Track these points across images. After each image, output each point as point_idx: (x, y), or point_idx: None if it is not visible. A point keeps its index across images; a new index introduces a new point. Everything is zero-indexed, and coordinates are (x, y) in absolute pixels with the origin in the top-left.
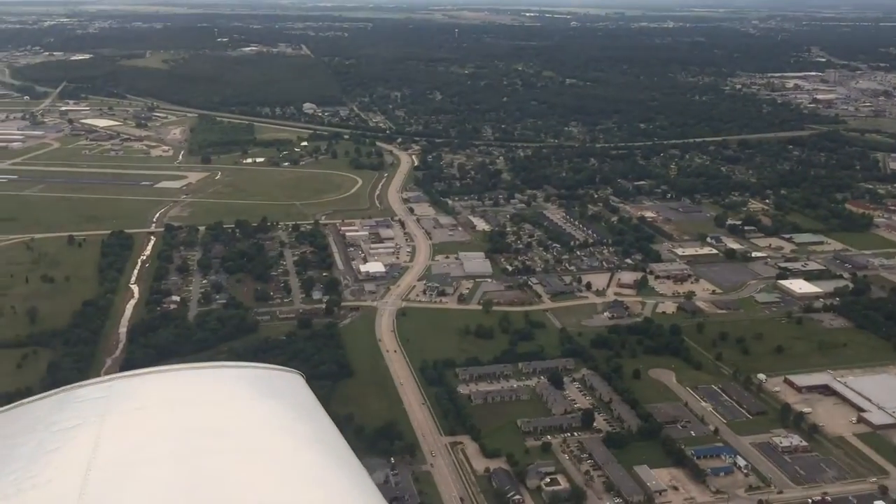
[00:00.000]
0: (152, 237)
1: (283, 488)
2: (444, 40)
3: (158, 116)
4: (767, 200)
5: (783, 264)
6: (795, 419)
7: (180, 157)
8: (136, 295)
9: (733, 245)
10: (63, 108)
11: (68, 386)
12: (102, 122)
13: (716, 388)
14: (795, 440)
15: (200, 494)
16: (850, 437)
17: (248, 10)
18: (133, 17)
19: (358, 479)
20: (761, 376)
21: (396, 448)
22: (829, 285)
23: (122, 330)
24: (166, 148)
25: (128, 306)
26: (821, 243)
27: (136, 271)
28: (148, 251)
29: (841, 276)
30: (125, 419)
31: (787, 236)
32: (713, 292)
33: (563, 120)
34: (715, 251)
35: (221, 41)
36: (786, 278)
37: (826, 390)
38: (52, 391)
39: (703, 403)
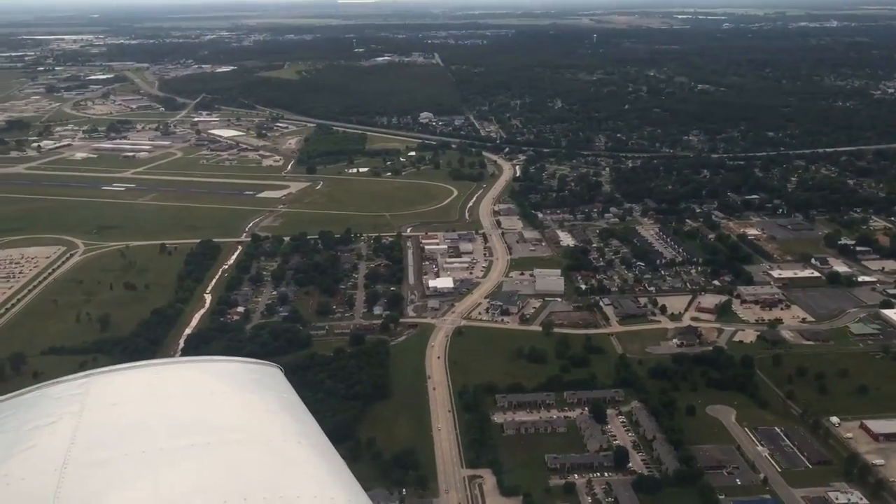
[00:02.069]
0: (239, 247)
1: (261, 480)
2: (579, 46)
3: (279, 127)
4: (893, 218)
5: (893, 290)
6: (861, 471)
7: (289, 167)
8: (207, 305)
9: (839, 268)
10: (195, 119)
11: (45, 383)
12: (227, 133)
13: (778, 430)
14: (855, 497)
15: (178, 489)
16: None
17: (399, 20)
18: (287, 29)
19: (334, 469)
20: (834, 419)
21: (410, 478)
22: None
23: (182, 340)
24: (278, 158)
25: (196, 316)
26: None
27: (214, 281)
28: (231, 261)
29: None
30: (102, 415)
31: None
32: (803, 320)
33: (684, 128)
34: (817, 274)
35: (358, 52)
36: (892, 307)
37: None
38: (28, 388)
39: (759, 448)
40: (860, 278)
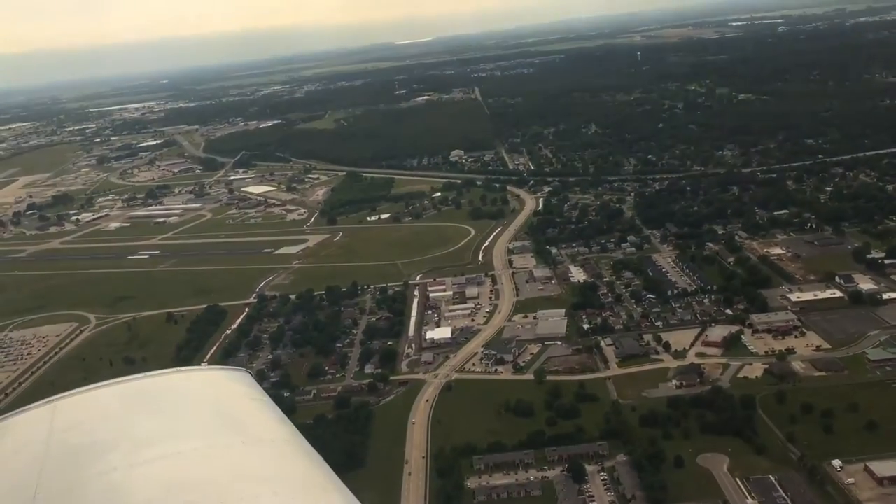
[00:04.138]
0: (246, 309)
1: (240, 487)
2: (623, 66)
3: (310, 178)
4: None
5: None
6: None
7: (311, 219)
8: None
9: (865, 285)
10: (230, 178)
11: (7, 414)
12: (258, 189)
13: (773, 479)
14: None
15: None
16: None
17: (451, 56)
18: (340, 76)
19: (316, 469)
20: (836, 462)
21: None
22: None
23: None
24: (302, 211)
25: None
26: None
27: (214, 348)
28: (235, 325)
29: None
30: (70, 438)
31: None
32: (818, 348)
33: (719, 143)
34: (839, 294)
35: (399, 93)
36: None
37: None
38: None
39: (749, 501)
40: (886, 296)
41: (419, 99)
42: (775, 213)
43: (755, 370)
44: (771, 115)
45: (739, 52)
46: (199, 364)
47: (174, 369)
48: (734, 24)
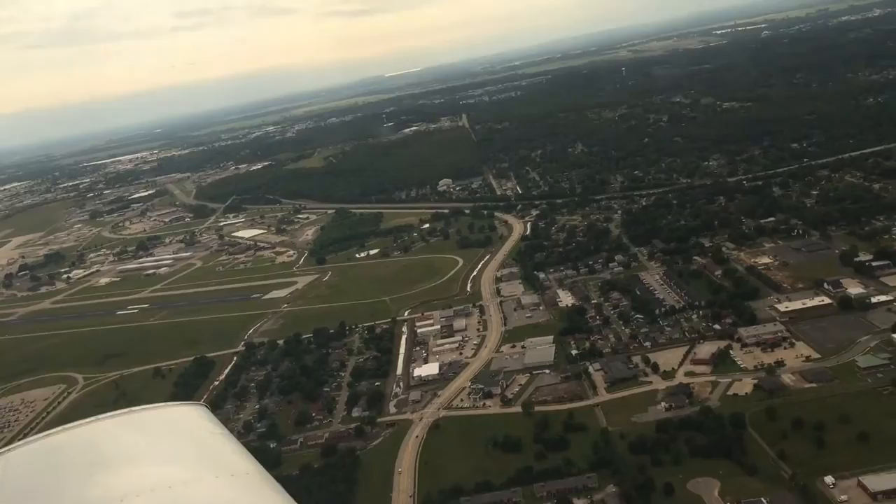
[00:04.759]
0: (234, 358)
1: None
2: (609, 82)
3: (299, 218)
4: None
5: None
6: None
7: (301, 260)
8: None
9: (853, 289)
10: (221, 223)
11: None
12: (248, 233)
13: (765, 501)
14: None
15: None
16: None
17: (440, 84)
18: (331, 113)
19: (278, 499)
20: (828, 479)
21: None
22: None
23: None
24: (291, 253)
25: None
26: None
27: (202, 401)
28: (223, 376)
29: None
30: (25, 487)
31: None
32: (808, 358)
33: (704, 154)
34: (828, 301)
35: (387, 126)
36: None
37: None
38: None
39: None
40: (875, 299)
41: (407, 130)
42: (762, 221)
43: (745, 386)
44: (755, 122)
45: (724, 61)
46: None
47: (131, 409)
48: (718, 32)
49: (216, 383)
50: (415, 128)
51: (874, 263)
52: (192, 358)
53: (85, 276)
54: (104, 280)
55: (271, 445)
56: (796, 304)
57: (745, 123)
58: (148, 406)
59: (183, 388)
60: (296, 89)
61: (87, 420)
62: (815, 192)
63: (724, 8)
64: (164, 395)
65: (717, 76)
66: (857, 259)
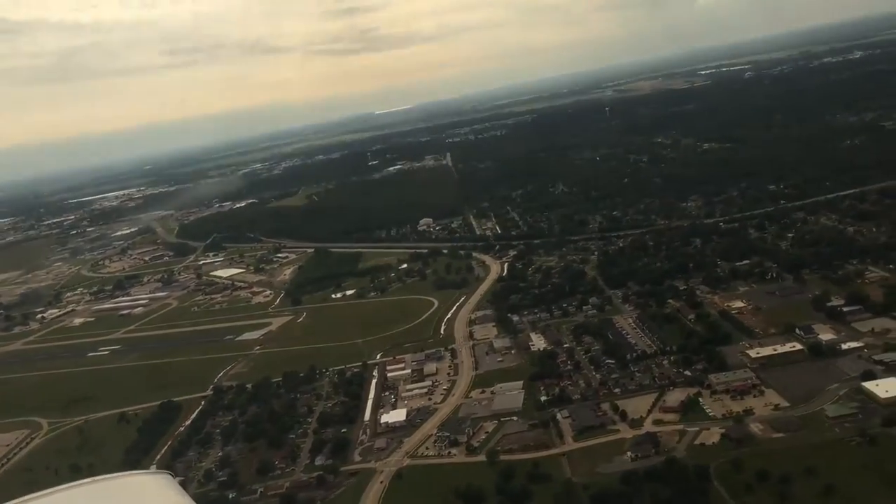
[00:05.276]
0: (202, 402)
1: None
2: (593, 121)
3: (279, 258)
4: (891, 266)
5: (878, 356)
6: None
7: (277, 301)
8: None
9: (825, 335)
10: (201, 262)
11: None
12: (226, 272)
13: None
14: None
15: None
16: None
17: (428, 122)
18: (319, 150)
19: None
20: None
21: None
22: None
23: None
24: (268, 293)
25: None
26: None
27: (166, 448)
28: (189, 421)
29: None
30: None
31: None
32: (776, 407)
33: (683, 194)
34: (799, 347)
35: (372, 164)
36: (874, 377)
37: None
38: None
39: None
40: (846, 345)
41: (391, 168)
42: (737, 263)
43: (712, 435)
44: (734, 163)
45: (706, 101)
46: (148, 466)
47: (94, 478)
48: (703, 72)
49: (181, 429)
50: (399, 166)
51: (846, 308)
52: (158, 403)
53: (59, 316)
54: (78, 320)
55: (230, 496)
56: (767, 350)
57: (723, 164)
58: (110, 476)
59: (147, 435)
60: (286, 126)
61: (48, 491)
62: (790, 235)
63: (712, 48)
64: (127, 441)
65: (698, 117)
66: (829, 304)
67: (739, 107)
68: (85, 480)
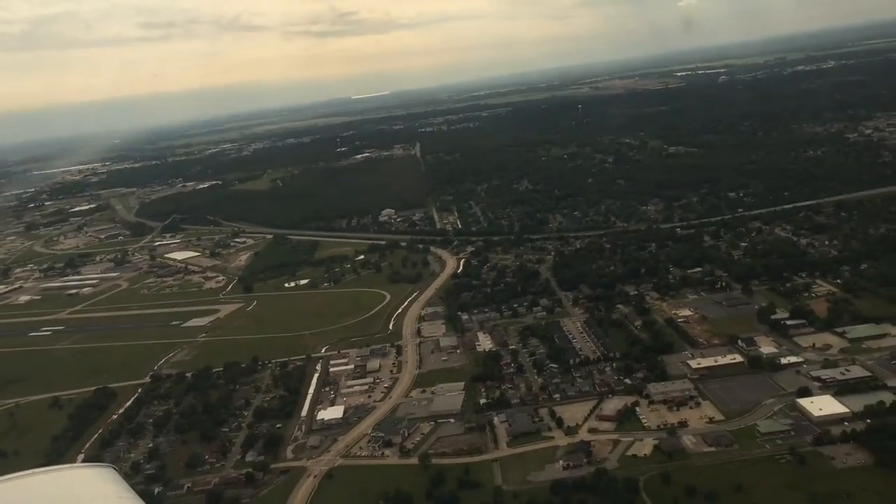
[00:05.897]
0: (139, 390)
1: None
2: (565, 118)
3: (237, 243)
4: (839, 280)
5: (816, 372)
6: None
7: (229, 287)
8: None
9: (766, 348)
10: (156, 243)
11: None
12: (181, 255)
13: None
14: None
15: None
16: None
17: (404, 109)
18: (290, 133)
19: None
20: None
21: None
22: (862, 401)
23: None
24: (220, 279)
25: None
26: (882, 336)
27: (95, 437)
28: (123, 409)
29: (885, 386)
30: None
31: (841, 330)
32: (711, 420)
33: (644, 198)
34: (740, 359)
35: (340, 151)
36: (809, 394)
37: None
38: None
39: None
40: (785, 360)
41: (359, 156)
42: (689, 271)
43: (645, 447)
44: (698, 168)
45: (678, 104)
46: (73, 458)
47: (34, 470)
48: (679, 73)
49: (114, 417)
50: (367, 154)
51: (789, 322)
52: (93, 388)
53: (5, 293)
54: (24, 298)
55: (156, 490)
56: (708, 361)
57: (687, 169)
58: (52, 468)
59: (77, 421)
60: (261, 106)
61: None
62: (744, 244)
63: (690, 49)
64: (56, 427)
65: (668, 119)
66: (773, 317)
67: (709, 111)
68: (25, 472)
